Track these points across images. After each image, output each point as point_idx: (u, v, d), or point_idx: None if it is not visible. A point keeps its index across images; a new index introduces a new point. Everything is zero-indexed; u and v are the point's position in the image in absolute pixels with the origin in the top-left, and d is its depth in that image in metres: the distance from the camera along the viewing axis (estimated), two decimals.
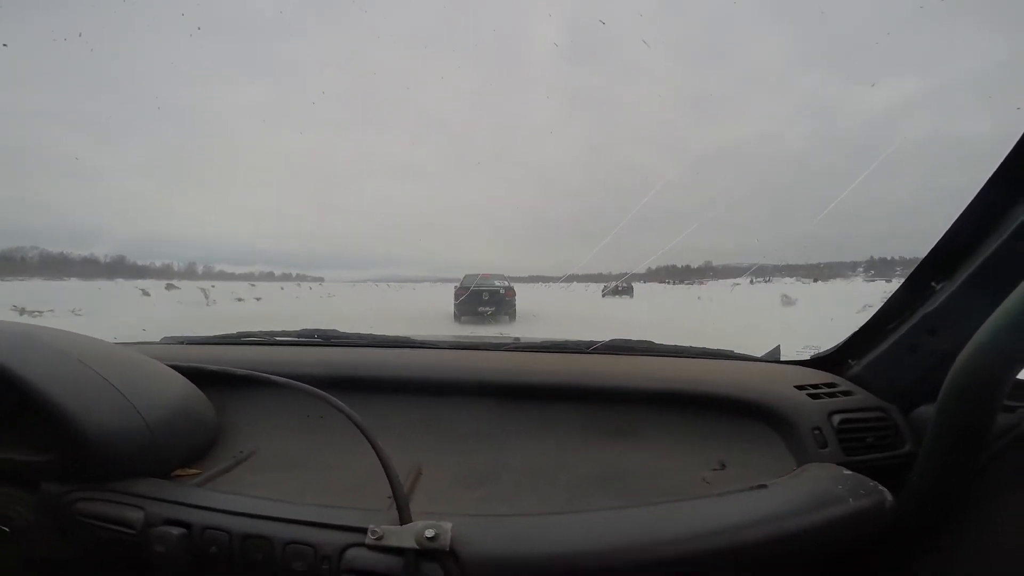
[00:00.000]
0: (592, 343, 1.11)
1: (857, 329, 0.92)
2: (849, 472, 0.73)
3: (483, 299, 9.32)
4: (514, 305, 9.49)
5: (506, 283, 9.77)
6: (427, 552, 0.58)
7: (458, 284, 9.93)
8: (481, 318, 8.97)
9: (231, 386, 0.88)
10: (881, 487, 0.70)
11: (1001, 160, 0.67)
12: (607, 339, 1.12)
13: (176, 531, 0.63)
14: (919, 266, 0.80)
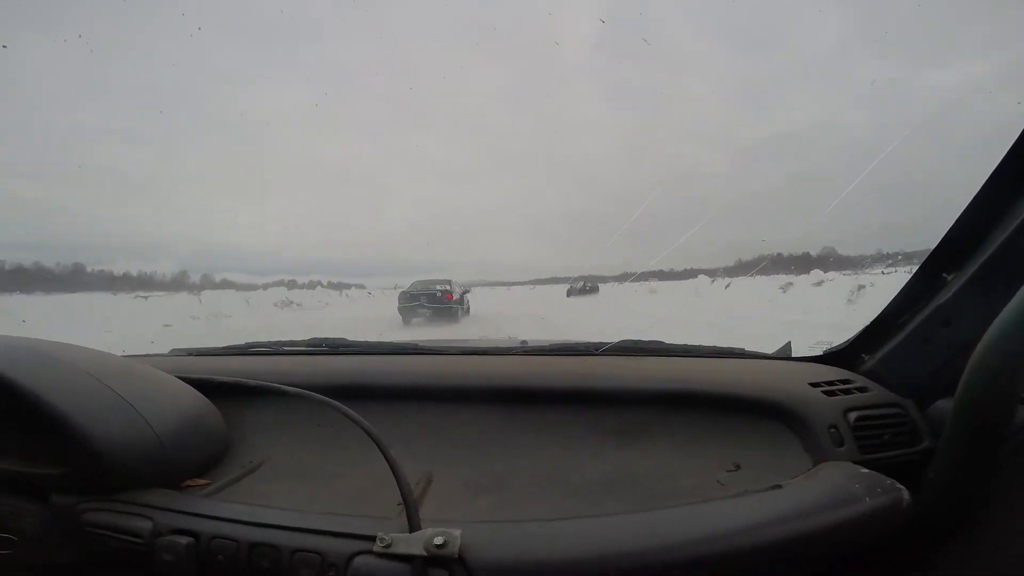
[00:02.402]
0: (601, 345, 1.10)
1: (869, 323, 0.91)
2: (865, 470, 0.71)
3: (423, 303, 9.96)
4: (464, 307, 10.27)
5: (447, 287, 10.32)
6: (436, 559, 0.57)
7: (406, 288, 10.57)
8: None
9: (241, 397, 0.88)
10: (898, 485, 0.68)
11: (1010, 146, 0.66)
12: (616, 340, 1.11)
13: (183, 540, 0.63)
14: (929, 257, 0.79)
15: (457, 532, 0.58)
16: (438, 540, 0.57)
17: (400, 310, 9.94)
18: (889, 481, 0.69)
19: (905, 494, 0.67)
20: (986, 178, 0.69)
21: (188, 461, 0.77)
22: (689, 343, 1.15)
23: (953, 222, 0.74)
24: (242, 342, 1.28)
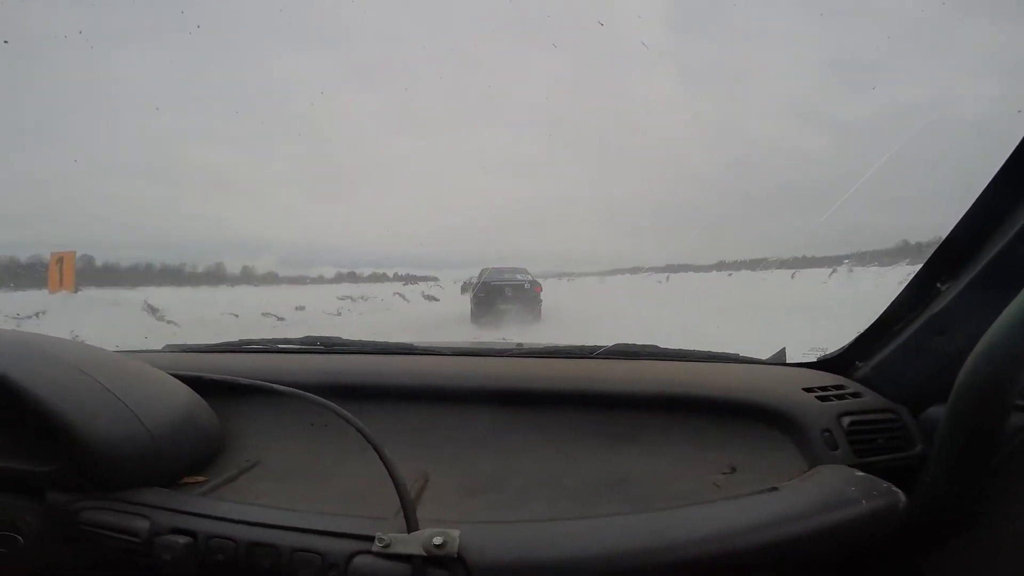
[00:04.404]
0: (596, 348, 1.10)
1: (864, 330, 0.92)
2: (861, 473, 0.72)
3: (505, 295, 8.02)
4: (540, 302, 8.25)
5: (530, 277, 8.51)
6: (435, 559, 0.57)
7: (475, 279, 8.65)
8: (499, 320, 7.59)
9: (234, 395, 0.87)
10: (894, 488, 0.69)
11: (1006, 157, 0.67)
12: (611, 344, 1.12)
13: (182, 540, 0.63)
14: (925, 266, 0.80)
15: (456, 532, 0.58)
16: (437, 540, 0.57)
17: (475, 305, 8.09)
18: (885, 484, 0.70)
19: (901, 497, 0.68)
20: (982, 188, 0.70)
21: (181, 459, 0.77)
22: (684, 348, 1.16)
23: (949, 231, 0.75)
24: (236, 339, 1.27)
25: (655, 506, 0.70)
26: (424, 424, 0.90)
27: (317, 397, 0.72)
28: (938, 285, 0.78)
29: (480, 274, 8.60)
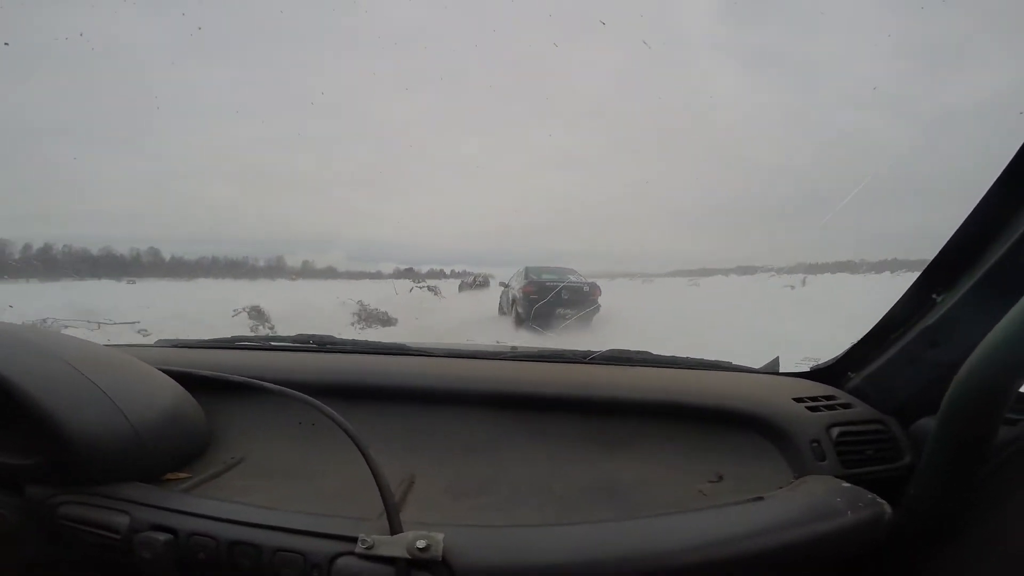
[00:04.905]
0: (589, 353, 1.10)
1: (856, 341, 0.92)
2: (847, 484, 0.72)
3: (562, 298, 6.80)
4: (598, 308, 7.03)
5: (584, 279, 7.45)
6: (419, 562, 0.57)
7: (519, 280, 7.54)
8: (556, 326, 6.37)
9: (222, 391, 0.87)
10: (880, 499, 0.69)
11: (1000, 171, 0.67)
12: (604, 349, 1.11)
13: (162, 537, 0.62)
14: (919, 278, 0.80)
15: (440, 535, 0.58)
16: (420, 543, 0.57)
17: (523, 310, 6.84)
18: (870, 496, 0.69)
19: (886, 508, 0.68)
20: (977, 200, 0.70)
21: (165, 455, 0.76)
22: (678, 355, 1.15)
23: (944, 243, 0.75)
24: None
25: (642, 513, 0.70)
26: (413, 426, 0.90)
27: (304, 396, 0.72)
28: (934, 296, 0.78)
29: (524, 273, 7.59)
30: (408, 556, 0.56)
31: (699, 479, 0.79)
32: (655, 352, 1.14)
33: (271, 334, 1.26)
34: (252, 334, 1.32)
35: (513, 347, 1.23)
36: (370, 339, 1.27)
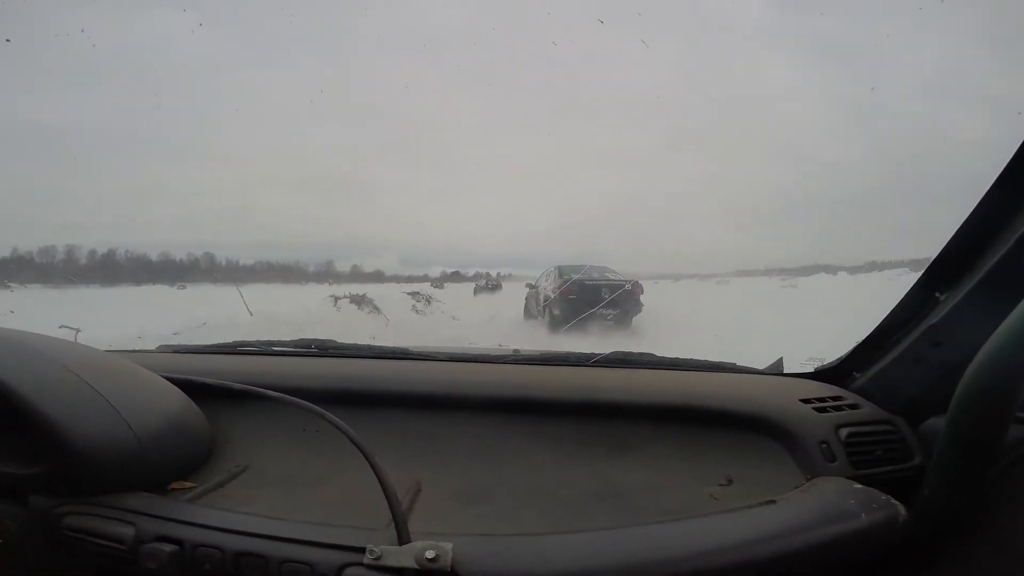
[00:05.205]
0: (593, 356, 1.10)
1: (861, 341, 0.92)
2: (860, 486, 0.71)
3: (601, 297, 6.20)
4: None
5: (623, 277, 6.79)
6: (428, 573, 0.56)
7: (551, 279, 7.01)
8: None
9: (226, 398, 0.86)
10: (894, 500, 0.68)
11: (1002, 169, 0.67)
12: (608, 351, 1.11)
13: (168, 548, 0.61)
14: (922, 276, 0.80)
15: (448, 545, 0.57)
16: (430, 553, 0.56)
17: (560, 311, 6.29)
18: (884, 497, 0.69)
19: (901, 510, 0.67)
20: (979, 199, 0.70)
21: (169, 463, 0.75)
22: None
23: (947, 241, 0.75)
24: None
25: (651, 519, 0.69)
26: (417, 431, 0.89)
27: (308, 404, 0.71)
28: (937, 295, 0.77)
29: (557, 272, 7.07)
30: (417, 567, 0.56)
31: (708, 483, 0.78)
32: (659, 354, 1.14)
33: (273, 339, 1.25)
34: (254, 339, 1.32)
35: (515, 350, 1.23)
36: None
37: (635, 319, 6.65)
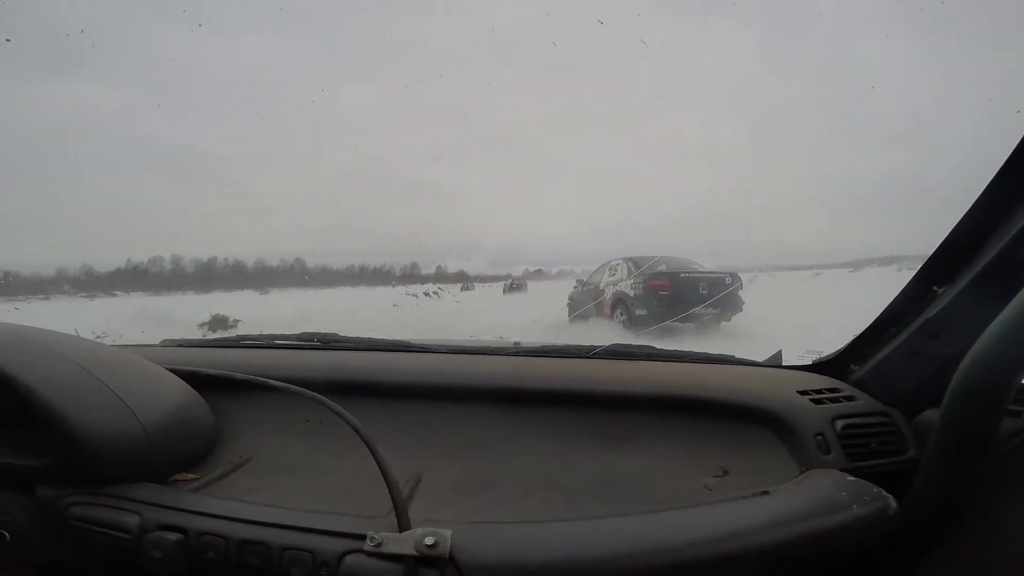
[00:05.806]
0: (592, 348, 1.10)
1: (859, 334, 0.92)
2: (852, 478, 0.72)
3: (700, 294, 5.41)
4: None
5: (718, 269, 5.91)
6: (427, 559, 0.57)
7: (624, 273, 6.11)
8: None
9: (229, 390, 0.87)
10: (885, 493, 0.69)
11: (1002, 163, 0.67)
12: (607, 344, 1.12)
13: (172, 536, 0.63)
14: (921, 270, 0.80)
15: (447, 532, 0.58)
16: (429, 540, 0.57)
17: (648, 310, 5.42)
18: (876, 489, 0.70)
19: (891, 502, 0.68)
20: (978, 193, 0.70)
21: (175, 454, 0.77)
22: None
23: (946, 235, 0.75)
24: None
25: (647, 508, 0.70)
26: (419, 422, 0.90)
27: (311, 392, 0.72)
28: (934, 288, 0.77)
29: (631, 265, 6.10)
30: (416, 553, 0.57)
31: (704, 473, 0.79)
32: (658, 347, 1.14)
33: (275, 333, 1.27)
34: (256, 333, 1.33)
35: (516, 342, 1.24)
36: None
37: (735, 318, 5.58)
